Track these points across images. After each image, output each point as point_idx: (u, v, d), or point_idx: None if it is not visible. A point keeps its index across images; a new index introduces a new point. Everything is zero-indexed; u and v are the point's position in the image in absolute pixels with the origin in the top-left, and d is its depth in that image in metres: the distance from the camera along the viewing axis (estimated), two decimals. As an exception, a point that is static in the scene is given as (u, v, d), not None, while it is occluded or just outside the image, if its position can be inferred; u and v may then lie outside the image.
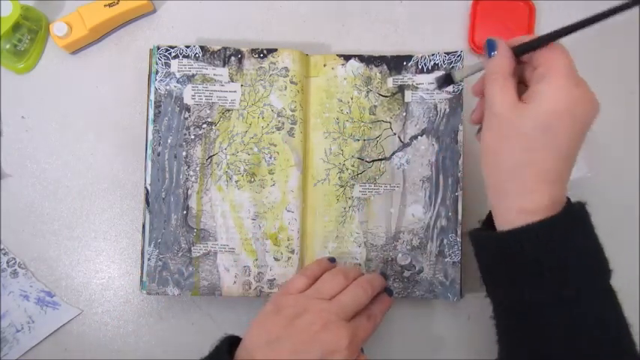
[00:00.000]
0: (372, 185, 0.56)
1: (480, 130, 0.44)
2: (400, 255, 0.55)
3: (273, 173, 0.55)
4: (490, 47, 0.40)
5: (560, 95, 0.36)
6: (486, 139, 0.39)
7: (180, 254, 0.54)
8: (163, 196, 0.55)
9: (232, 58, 0.56)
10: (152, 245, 0.54)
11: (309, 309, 0.43)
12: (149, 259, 0.54)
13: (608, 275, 0.39)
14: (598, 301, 0.38)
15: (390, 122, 0.56)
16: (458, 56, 0.56)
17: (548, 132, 0.36)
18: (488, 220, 0.43)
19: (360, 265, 0.55)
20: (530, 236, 0.37)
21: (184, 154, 0.55)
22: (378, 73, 0.57)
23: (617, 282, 0.58)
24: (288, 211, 0.54)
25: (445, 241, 0.55)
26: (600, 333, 0.37)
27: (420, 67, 0.56)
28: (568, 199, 0.40)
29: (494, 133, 0.38)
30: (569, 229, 0.37)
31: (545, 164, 0.37)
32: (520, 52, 0.40)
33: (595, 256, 0.39)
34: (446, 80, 0.50)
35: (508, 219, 0.38)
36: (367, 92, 0.56)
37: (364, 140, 0.56)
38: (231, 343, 0.44)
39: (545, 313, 0.38)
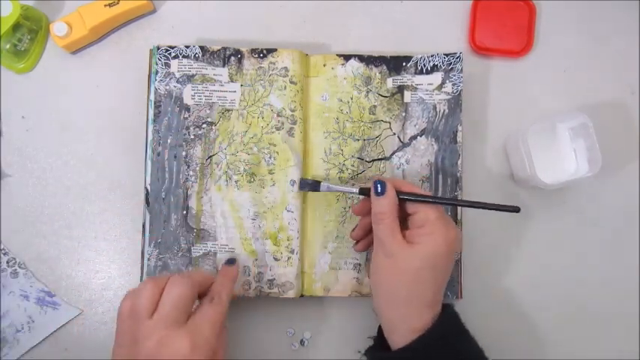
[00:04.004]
0: (372, 185, 0.56)
1: (367, 259, 0.54)
2: (400, 255, 0.55)
3: (273, 173, 0.55)
4: (379, 189, 0.46)
5: (441, 240, 0.44)
6: (380, 276, 0.46)
7: (180, 254, 0.54)
8: (163, 196, 0.55)
9: (232, 58, 0.56)
10: (152, 245, 0.54)
11: (137, 336, 0.41)
12: (149, 259, 0.54)
13: None
14: None
15: (389, 122, 0.56)
16: (457, 57, 0.56)
17: (433, 269, 0.44)
18: (379, 338, 0.49)
19: (360, 265, 0.55)
20: (424, 345, 0.44)
21: (184, 154, 0.55)
22: (377, 73, 0.57)
23: (617, 282, 0.59)
24: (288, 211, 0.54)
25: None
26: None
27: (419, 67, 0.56)
28: (443, 305, 0.47)
29: (388, 270, 0.45)
30: (451, 332, 0.45)
31: (430, 294, 0.45)
32: (404, 199, 0.46)
33: (472, 351, 0.46)
34: (312, 186, 0.53)
35: (402, 339, 0.44)
36: (367, 92, 0.56)
37: (364, 140, 0.56)
38: None
39: None
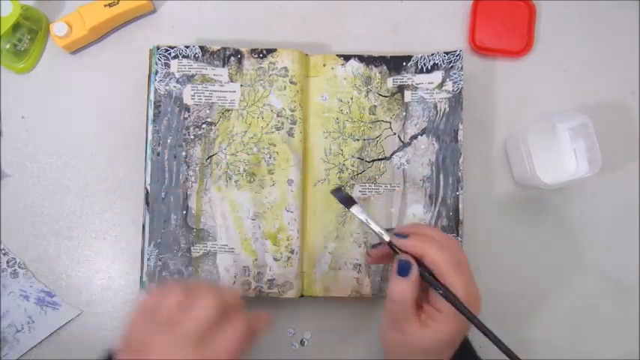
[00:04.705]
0: (372, 185, 0.56)
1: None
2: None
3: (272, 173, 0.55)
4: (403, 271, 0.41)
5: (453, 328, 0.41)
6: (391, 346, 0.43)
7: (179, 254, 0.54)
8: (163, 196, 0.55)
9: (232, 58, 0.56)
10: (152, 245, 0.54)
11: (147, 343, 0.37)
12: (149, 259, 0.54)
13: None
14: None
15: (389, 122, 0.56)
16: (457, 56, 0.56)
17: (451, 346, 0.42)
18: None
19: (360, 265, 0.55)
20: None
21: (184, 154, 0.55)
22: (377, 73, 0.57)
23: (617, 282, 0.59)
24: (288, 211, 0.54)
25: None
26: None
27: (419, 67, 0.56)
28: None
29: (398, 345, 0.42)
30: None
31: None
32: (427, 281, 0.41)
33: None
34: (347, 201, 0.46)
35: None
36: (367, 92, 0.56)
37: (364, 140, 0.56)
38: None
39: None
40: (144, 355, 0.37)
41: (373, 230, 0.44)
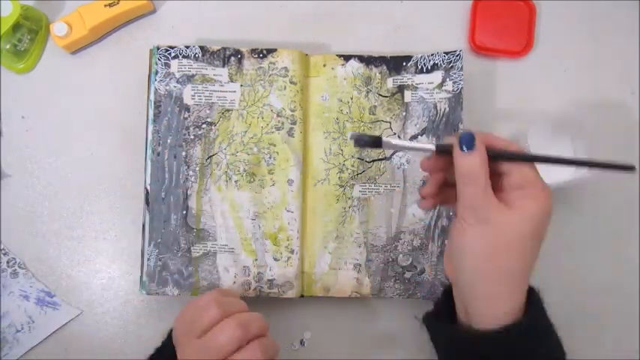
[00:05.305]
0: (373, 185, 0.56)
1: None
2: (401, 256, 0.55)
3: (272, 173, 0.55)
4: (467, 143, 0.37)
5: (543, 202, 0.37)
6: (469, 245, 0.38)
7: (179, 254, 0.54)
8: (163, 196, 0.55)
9: (232, 58, 0.56)
10: (152, 245, 0.54)
11: (183, 344, 0.43)
12: (149, 259, 0.54)
13: None
14: None
15: (389, 122, 0.56)
16: (457, 55, 0.56)
17: (537, 237, 0.38)
18: (443, 309, 0.44)
19: (360, 265, 0.55)
20: (513, 338, 0.38)
21: (184, 154, 0.55)
22: (377, 74, 0.57)
23: (617, 282, 0.59)
24: (288, 211, 0.54)
25: (447, 241, 0.55)
26: None
27: (419, 67, 0.56)
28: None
29: (483, 238, 0.38)
30: (541, 326, 0.40)
31: (528, 267, 0.38)
32: (496, 158, 0.38)
33: (559, 346, 0.41)
34: (373, 142, 0.41)
35: (486, 320, 0.38)
36: (367, 92, 0.56)
37: (364, 140, 0.56)
38: None
39: None
40: (181, 354, 0.43)
41: (415, 149, 0.41)
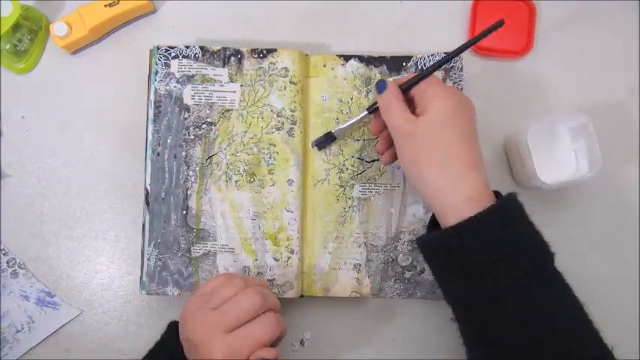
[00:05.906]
0: (372, 185, 0.56)
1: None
2: (401, 255, 0.55)
3: (272, 173, 0.55)
4: (380, 87, 0.47)
5: (447, 97, 0.44)
6: (405, 158, 0.45)
7: (179, 254, 0.54)
8: (163, 196, 0.55)
9: (232, 58, 0.56)
10: (152, 245, 0.54)
11: (195, 320, 0.44)
12: (149, 259, 0.54)
13: (553, 259, 0.43)
14: (549, 286, 0.42)
15: (389, 122, 0.56)
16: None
17: (456, 126, 0.43)
18: (433, 226, 0.46)
19: (360, 265, 0.55)
20: (485, 221, 0.40)
21: (184, 154, 0.55)
22: (377, 74, 0.57)
23: (616, 282, 0.59)
24: (288, 211, 0.54)
25: None
26: (556, 314, 0.42)
27: (419, 67, 0.56)
28: (497, 192, 0.45)
29: (410, 149, 0.44)
30: (511, 216, 0.42)
31: (464, 152, 0.43)
32: (406, 87, 0.47)
33: (539, 242, 0.43)
34: (327, 138, 0.54)
35: (458, 214, 0.41)
36: (367, 92, 0.56)
37: (364, 140, 0.56)
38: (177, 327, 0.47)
39: (504, 305, 0.41)
40: (191, 332, 0.43)
41: (355, 120, 0.52)
